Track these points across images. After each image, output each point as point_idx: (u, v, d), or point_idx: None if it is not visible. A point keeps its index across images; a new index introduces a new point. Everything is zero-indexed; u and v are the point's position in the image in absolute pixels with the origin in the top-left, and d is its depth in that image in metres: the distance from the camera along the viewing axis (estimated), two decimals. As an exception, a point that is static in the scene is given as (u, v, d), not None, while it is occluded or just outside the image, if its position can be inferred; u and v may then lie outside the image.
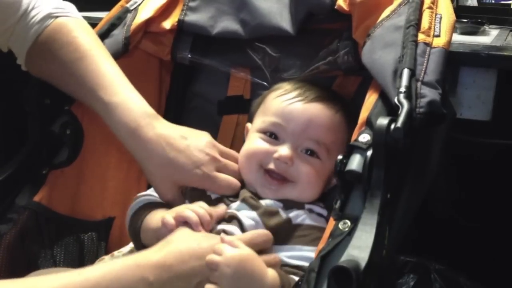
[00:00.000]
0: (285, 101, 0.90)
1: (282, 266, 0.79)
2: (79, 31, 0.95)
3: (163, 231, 0.79)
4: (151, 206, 0.88)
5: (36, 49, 0.95)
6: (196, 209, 0.80)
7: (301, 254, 0.80)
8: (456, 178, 1.37)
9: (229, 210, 0.85)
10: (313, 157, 0.87)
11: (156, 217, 0.84)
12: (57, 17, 0.95)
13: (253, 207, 0.84)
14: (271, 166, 0.86)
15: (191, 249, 0.74)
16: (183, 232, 0.77)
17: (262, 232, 0.80)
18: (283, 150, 0.86)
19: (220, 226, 0.82)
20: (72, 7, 0.99)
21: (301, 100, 0.89)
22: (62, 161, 0.99)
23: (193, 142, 0.88)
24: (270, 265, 0.76)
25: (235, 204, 0.85)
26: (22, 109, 0.99)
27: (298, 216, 0.84)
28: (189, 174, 0.86)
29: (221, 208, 0.84)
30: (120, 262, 0.72)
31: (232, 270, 0.71)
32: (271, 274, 0.74)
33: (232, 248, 0.72)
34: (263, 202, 0.86)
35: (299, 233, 0.82)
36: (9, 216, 0.94)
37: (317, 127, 0.88)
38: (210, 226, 0.80)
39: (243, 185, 0.90)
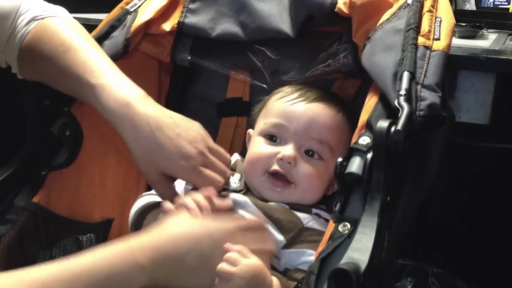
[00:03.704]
0: (286, 102, 0.90)
1: (292, 272, 0.79)
2: (64, 27, 0.94)
3: (164, 218, 0.79)
4: (154, 206, 0.88)
5: (24, 53, 0.94)
6: (196, 198, 0.80)
7: (311, 259, 0.78)
8: (454, 181, 1.38)
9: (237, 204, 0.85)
10: (315, 159, 0.87)
11: (160, 215, 0.84)
12: (42, 18, 0.95)
13: (260, 207, 0.84)
14: (275, 167, 0.86)
15: (184, 232, 0.72)
16: (177, 217, 0.76)
17: (257, 220, 0.80)
18: (286, 150, 0.86)
19: None
20: (61, 10, 0.98)
21: (302, 100, 0.90)
22: (61, 163, 0.99)
23: (184, 131, 0.86)
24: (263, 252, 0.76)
25: (242, 201, 0.85)
26: (22, 110, 0.99)
27: (308, 219, 0.84)
28: (174, 164, 0.84)
29: (227, 202, 0.83)
30: (112, 247, 0.70)
31: (245, 282, 0.70)
32: (275, 282, 0.74)
33: (247, 259, 0.71)
34: (270, 205, 0.86)
35: (310, 238, 0.82)
36: (8, 217, 0.93)
37: (320, 126, 0.88)
38: (208, 214, 0.80)
39: (247, 190, 0.90)
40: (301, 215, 0.84)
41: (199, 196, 0.81)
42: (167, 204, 0.81)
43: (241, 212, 0.84)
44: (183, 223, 0.75)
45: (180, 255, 0.71)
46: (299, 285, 0.74)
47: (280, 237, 0.82)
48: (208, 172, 0.86)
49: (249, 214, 0.83)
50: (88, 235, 0.99)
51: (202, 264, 0.71)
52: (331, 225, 0.73)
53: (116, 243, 0.70)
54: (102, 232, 1.00)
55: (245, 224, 0.78)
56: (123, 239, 0.71)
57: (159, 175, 0.86)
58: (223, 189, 0.88)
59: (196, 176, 0.85)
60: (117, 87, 0.86)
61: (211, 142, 0.90)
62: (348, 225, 0.70)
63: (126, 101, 0.85)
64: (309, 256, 0.80)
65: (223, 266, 0.70)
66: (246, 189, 0.90)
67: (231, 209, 0.84)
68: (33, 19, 0.94)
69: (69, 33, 0.93)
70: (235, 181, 0.91)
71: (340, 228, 0.70)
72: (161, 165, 0.85)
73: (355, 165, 0.72)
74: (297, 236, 0.82)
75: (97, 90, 0.86)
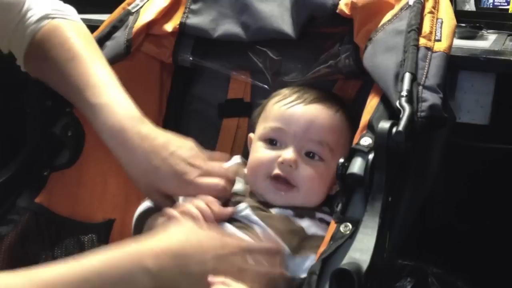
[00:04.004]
0: (284, 105, 0.90)
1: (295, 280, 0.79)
2: (73, 33, 0.95)
3: (168, 223, 0.79)
4: (155, 210, 0.88)
5: (32, 50, 0.95)
6: (199, 205, 0.81)
7: None
8: (454, 182, 1.38)
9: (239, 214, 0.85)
10: (316, 160, 0.87)
11: (160, 218, 0.84)
12: (53, 18, 0.95)
13: (262, 218, 0.84)
14: (276, 171, 0.86)
15: (192, 242, 0.73)
16: (185, 224, 0.77)
17: (274, 245, 0.80)
18: (287, 154, 0.86)
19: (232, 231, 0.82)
20: (71, 10, 0.99)
21: (300, 103, 0.90)
22: (63, 163, 0.99)
23: (176, 150, 0.87)
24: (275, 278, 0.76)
25: (243, 212, 0.85)
26: (23, 111, 0.99)
27: (311, 226, 0.84)
28: (171, 183, 0.86)
29: (228, 209, 0.84)
30: (121, 250, 0.70)
31: None
32: None
33: None
34: (273, 211, 0.86)
35: (314, 243, 0.81)
36: (10, 218, 0.93)
37: (319, 128, 0.88)
38: (212, 222, 0.81)
39: (248, 193, 0.90)
40: (304, 223, 0.84)
41: (200, 203, 0.82)
42: (171, 210, 0.82)
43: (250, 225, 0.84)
44: (192, 232, 0.75)
45: (186, 264, 0.71)
46: (301, 286, 0.74)
47: (286, 248, 0.81)
48: (206, 180, 0.86)
49: (264, 231, 0.83)
50: (90, 235, 0.99)
51: (205, 275, 0.72)
52: (333, 225, 0.73)
53: (124, 246, 0.70)
54: (104, 233, 1.00)
55: (256, 247, 0.78)
56: (132, 241, 0.71)
57: (160, 195, 0.87)
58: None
59: (195, 189, 0.86)
60: (115, 109, 0.87)
61: (205, 153, 0.90)
62: (350, 226, 0.70)
63: (120, 127, 0.86)
64: (312, 261, 0.78)
65: None
66: (249, 193, 0.90)
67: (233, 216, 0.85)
68: (45, 17, 0.95)
69: (77, 40, 0.94)
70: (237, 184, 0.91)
71: (341, 228, 0.71)
72: (159, 187, 0.86)
73: (356, 165, 0.72)
74: (300, 244, 0.82)
75: (95, 110, 0.88)
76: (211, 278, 0.71)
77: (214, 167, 0.89)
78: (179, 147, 0.88)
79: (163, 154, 0.86)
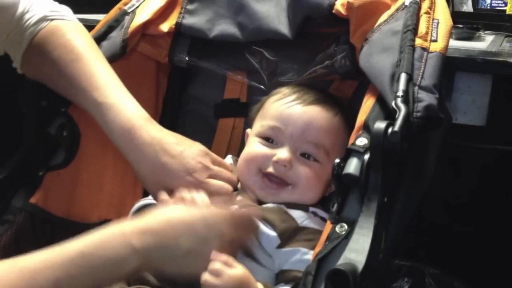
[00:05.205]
0: (283, 105, 0.90)
1: (287, 272, 0.79)
2: (74, 34, 0.95)
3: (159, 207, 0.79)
4: (149, 206, 0.88)
5: (31, 51, 0.95)
6: (194, 194, 0.82)
7: (307, 258, 0.78)
8: (451, 182, 1.38)
9: None
10: (311, 161, 0.87)
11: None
12: (52, 19, 0.95)
13: None
14: (270, 169, 0.86)
15: (180, 217, 0.72)
16: (172, 206, 0.78)
17: (248, 214, 0.80)
18: (282, 153, 0.86)
19: None
20: (68, 11, 0.99)
21: (299, 103, 0.90)
22: (59, 163, 0.99)
23: (187, 149, 0.88)
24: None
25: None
26: (19, 111, 0.99)
27: (304, 218, 0.84)
28: (180, 180, 0.86)
29: None
30: (105, 230, 0.70)
31: None
32: None
33: (231, 270, 0.70)
34: (265, 206, 0.86)
35: (305, 237, 0.81)
36: (5, 218, 0.93)
37: (316, 130, 0.88)
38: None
39: (240, 191, 0.90)
40: (297, 214, 0.84)
41: (194, 193, 0.82)
42: (163, 195, 0.82)
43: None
44: (178, 209, 0.75)
45: (175, 238, 0.70)
46: (297, 286, 0.74)
47: (272, 233, 0.81)
48: (214, 182, 0.87)
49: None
50: (85, 235, 0.98)
51: (197, 248, 0.71)
52: (328, 225, 0.73)
53: (107, 228, 0.70)
54: (99, 233, 1.00)
55: (239, 214, 0.79)
56: (115, 224, 0.71)
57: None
58: None
59: (203, 189, 0.86)
60: (124, 109, 0.88)
61: (214, 156, 0.91)
62: (345, 226, 0.70)
63: (131, 125, 0.87)
64: (303, 254, 0.79)
65: (207, 278, 0.69)
66: (241, 190, 0.90)
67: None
68: (43, 19, 0.95)
69: (78, 41, 0.94)
70: None
71: (337, 229, 0.71)
72: (168, 183, 0.86)
73: (352, 166, 0.72)
74: (291, 235, 0.82)
75: (103, 109, 0.88)
76: (214, 255, 0.71)
77: (222, 171, 0.89)
78: (190, 146, 0.88)
79: (173, 151, 0.86)
